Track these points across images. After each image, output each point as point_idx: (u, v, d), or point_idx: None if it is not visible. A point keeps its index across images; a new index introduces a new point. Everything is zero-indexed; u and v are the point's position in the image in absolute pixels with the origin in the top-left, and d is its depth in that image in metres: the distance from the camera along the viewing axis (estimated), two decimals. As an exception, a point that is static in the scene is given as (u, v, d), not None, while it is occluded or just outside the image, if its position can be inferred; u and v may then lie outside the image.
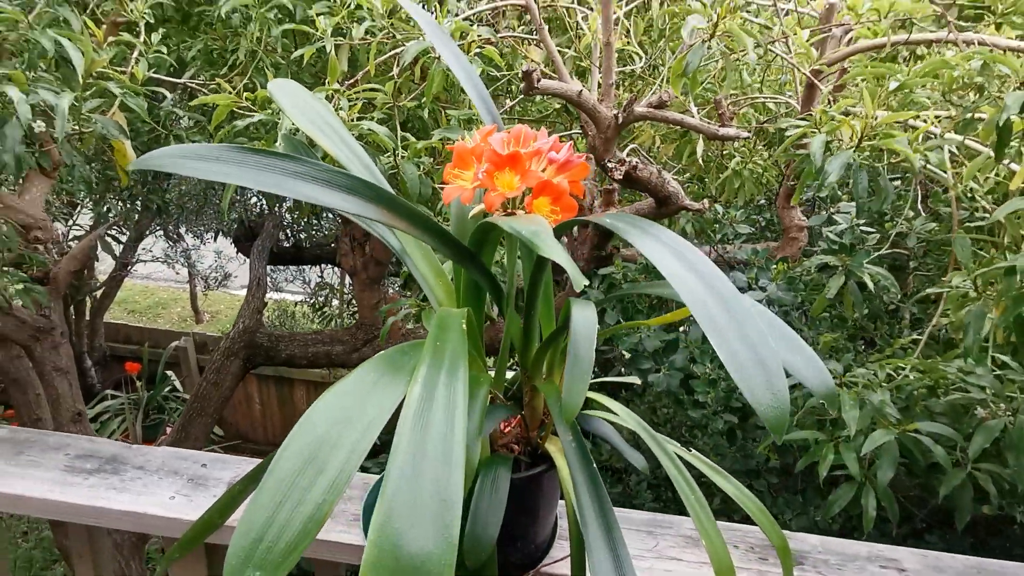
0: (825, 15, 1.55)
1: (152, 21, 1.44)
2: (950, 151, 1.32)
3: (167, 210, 2.76)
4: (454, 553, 0.45)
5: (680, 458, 0.89)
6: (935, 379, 1.38)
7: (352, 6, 1.54)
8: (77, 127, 1.21)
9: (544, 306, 0.95)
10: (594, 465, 0.77)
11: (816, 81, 1.41)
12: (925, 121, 1.08)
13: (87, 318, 4.92)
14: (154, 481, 1.17)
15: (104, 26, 1.30)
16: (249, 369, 2.78)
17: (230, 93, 1.21)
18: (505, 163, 0.75)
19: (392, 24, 1.44)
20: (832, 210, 1.57)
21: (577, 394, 0.68)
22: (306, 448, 0.54)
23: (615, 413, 0.93)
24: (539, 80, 1.31)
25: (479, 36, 1.35)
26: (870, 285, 1.32)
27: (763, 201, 2.12)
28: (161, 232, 4.20)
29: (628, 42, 1.63)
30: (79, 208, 3.27)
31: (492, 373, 0.92)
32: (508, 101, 1.91)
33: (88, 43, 1.15)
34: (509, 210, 0.77)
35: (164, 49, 1.37)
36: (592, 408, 0.96)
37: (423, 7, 1.62)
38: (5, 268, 1.86)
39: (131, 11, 1.35)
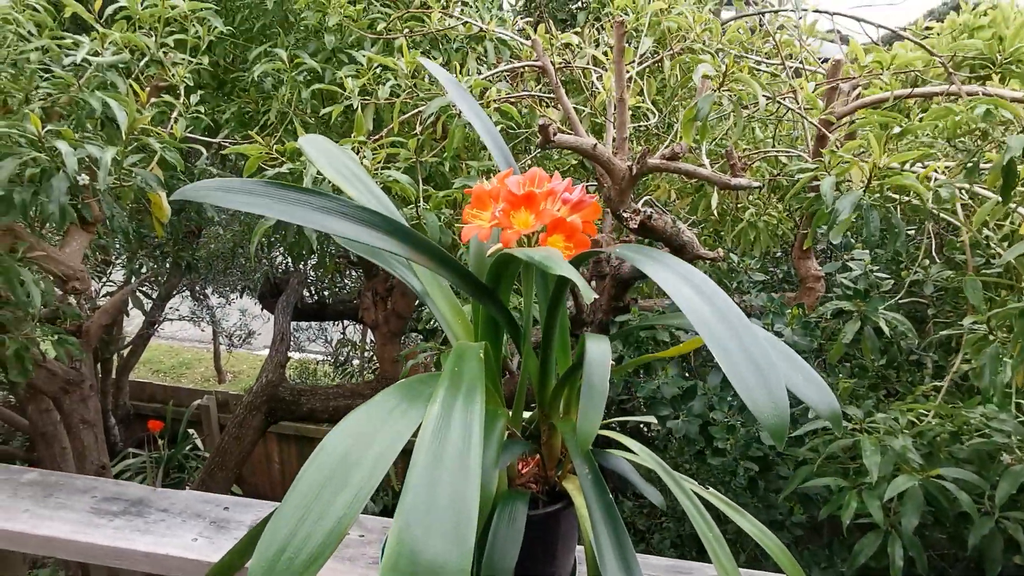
0: (831, 70, 1.60)
1: (191, 85, 1.53)
2: (961, 200, 1.35)
3: (196, 267, 2.85)
4: (469, 560, 0.47)
5: (698, 496, 0.89)
6: (958, 425, 1.37)
7: (378, 68, 1.63)
8: (118, 180, 1.28)
9: (561, 344, 0.98)
10: (610, 497, 0.78)
11: (826, 132, 1.45)
12: (931, 162, 1.11)
13: (113, 376, 5.00)
14: (177, 523, 1.19)
15: (147, 89, 1.39)
16: (271, 423, 2.80)
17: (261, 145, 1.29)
18: (520, 203, 0.79)
19: (415, 84, 1.52)
20: (846, 257, 1.59)
21: (591, 422, 0.70)
22: (327, 465, 0.56)
23: (633, 452, 0.94)
24: (555, 134, 1.37)
25: (498, 91, 1.42)
26: (886, 331, 1.32)
27: (780, 253, 2.14)
28: (187, 291, 4.30)
29: (642, 100, 1.69)
30: (111, 265, 3.39)
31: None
32: (526, 157, 1.98)
33: (132, 104, 1.23)
34: (524, 247, 0.80)
35: (201, 110, 1.45)
36: (611, 447, 0.97)
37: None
38: (40, 321, 1.93)
39: (172, 76, 1.45)
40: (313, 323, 5.32)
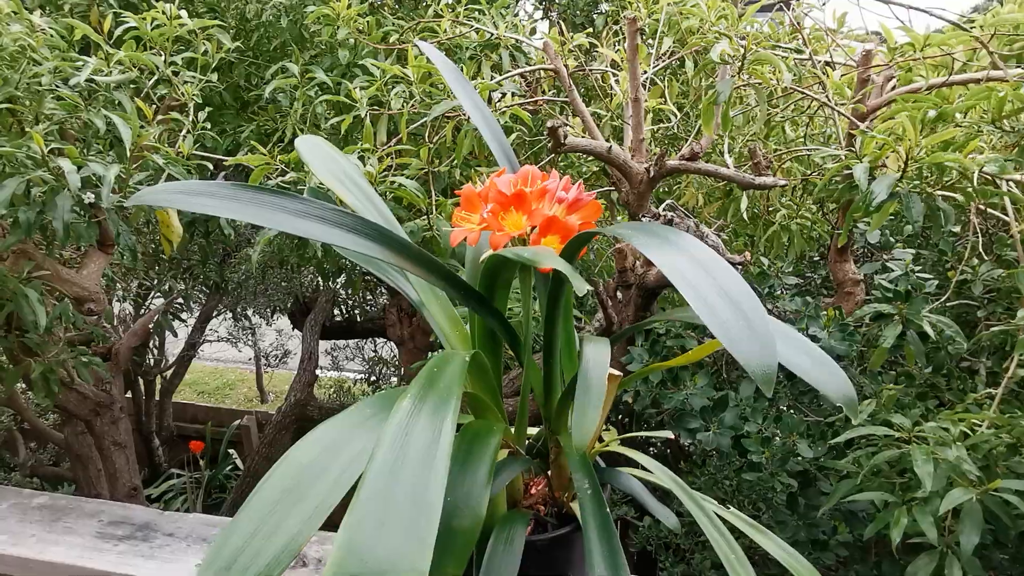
0: (863, 60, 1.51)
1: (201, 102, 1.52)
2: (1010, 191, 1.24)
3: (226, 288, 2.86)
4: (426, 561, 0.41)
5: (720, 517, 0.82)
6: (1016, 436, 1.25)
7: (387, 77, 1.60)
8: (124, 198, 1.27)
9: (567, 354, 0.92)
10: (608, 514, 0.71)
11: (859, 123, 1.36)
12: (975, 142, 1.01)
13: (157, 398, 5.09)
14: (182, 548, 1.15)
15: (155, 107, 1.39)
16: (301, 443, 2.78)
17: (264, 155, 1.26)
18: (510, 203, 0.73)
19: (425, 90, 1.48)
20: (886, 258, 1.49)
21: (586, 426, 0.63)
22: (288, 477, 0.51)
23: (647, 469, 0.87)
24: (565, 137, 1.31)
25: (512, 95, 1.37)
26: (932, 334, 1.22)
27: (816, 257, 2.03)
28: (229, 312, 4.35)
29: (663, 102, 1.63)
30: (152, 289, 3.44)
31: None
32: (545, 163, 1.93)
33: (136, 121, 1.22)
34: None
35: (208, 126, 1.44)
36: (622, 464, 0.90)
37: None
38: (71, 344, 1.95)
39: (182, 95, 1.44)
40: (350, 342, 5.33)
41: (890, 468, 1.31)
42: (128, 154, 1.21)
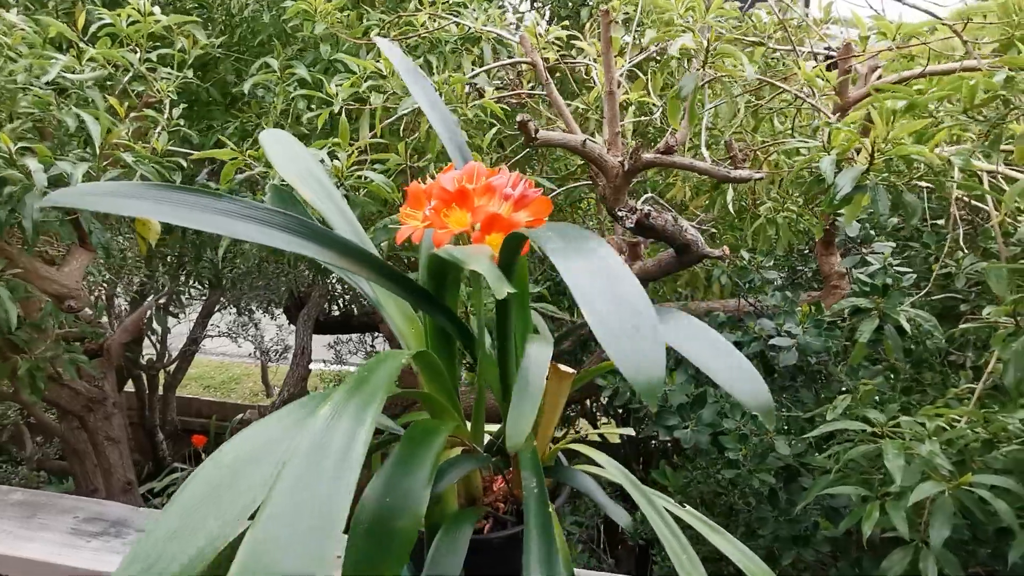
0: (843, 52, 1.49)
1: (185, 100, 1.52)
2: (991, 181, 1.23)
3: (220, 284, 2.87)
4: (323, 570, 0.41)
5: (672, 515, 0.81)
6: (994, 431, 1.24)
7: (367, 73, 1.59)
8: (98, 197, 1.27)
9: (523, 347, 0.91)
10: (549, 514, 0.71)
11: (832, 116, 1.34)
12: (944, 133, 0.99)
13: (160, 392, 5.13)
14: (154, 544, 1.16)
15: (128, 105, 1.39)
16: (295, 438, 2.78)
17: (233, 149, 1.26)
18: (452, 199, 0.73)
19: (401, 85, 1.47)
20: (865, 251, 1.48)
21: (520, 426, 0.63)
22: (213, 477, 0.51)
23: (600, 466, 0.86)
24: (537, 131, 1.30)
25: (491, 89, 1.36)
26: (907, 328, 1.21)
27: (807, 250, 2.02)
28: (233, 307, 4.36)
29: (645, 95, 1.61)
30: (150, 283, 3.46)
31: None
32: (527, 160, 1.92)
33: (105, 118, 1.22)
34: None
35: (184, 123, 1.44)
36: (578, 461, 0.90)
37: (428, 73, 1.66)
38: (67, 340, 1.96)
39: (157, 91, 1.44)
40: (353, 336, 5.35)
41: (867, 463, 1.30)
42: (98, 151, 1.22)
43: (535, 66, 1.53)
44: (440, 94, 1.40)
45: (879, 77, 1.55)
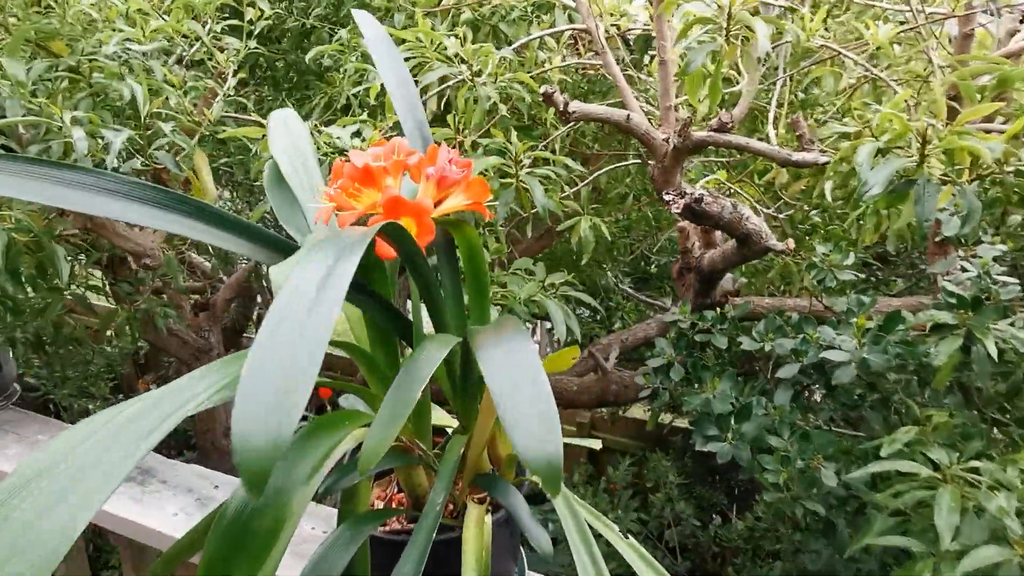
0: (964, 21, 1.24)
1: (237, 69, 1.56)
2: None
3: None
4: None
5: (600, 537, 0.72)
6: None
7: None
8: (150, 162, 1.34)
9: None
10: (431, 533, 0.64)
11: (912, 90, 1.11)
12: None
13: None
14: (168, 497, 1.22)
15: (188, 74, 1.45)
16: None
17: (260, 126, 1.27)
18: (357, 178, 0.66)
19: (437, 57, 1.41)
20: (966, 254, 1.23)
21: (380, 436, 0.56)
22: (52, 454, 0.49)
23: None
24: (567, 104, 1.20)
25: (504, 59, 1.27)
26: (992, 352, 0.99)
27: (906, 248, 1.74)
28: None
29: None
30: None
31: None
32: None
33: (145, 88, 1.28)
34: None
35: (247, 94, 1.48)
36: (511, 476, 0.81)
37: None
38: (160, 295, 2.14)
39: (220, 63, 1.49)
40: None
41: (930, 505, 1.09)
42: (143, 119, 1.28)
43: (590, 32, 1.41)
44: (470, 64, 1.32)
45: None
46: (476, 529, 0.78)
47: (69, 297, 1.69)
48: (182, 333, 2.47)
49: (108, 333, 2.33)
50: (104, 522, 1.20)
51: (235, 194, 2.59)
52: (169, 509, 1.19)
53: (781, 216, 1.59)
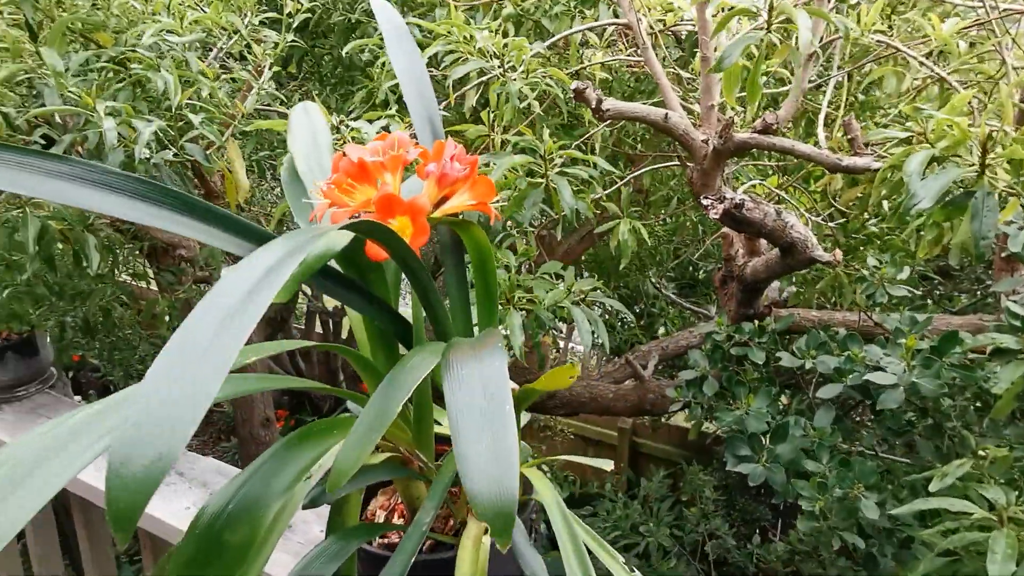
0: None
1: (306, 65, 1.55)
2: None
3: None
4: None
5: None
6: None
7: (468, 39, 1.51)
8: (181, 153, 1.34)
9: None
10: (410, 556, 0.60)
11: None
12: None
13: (343, 337, 5.61)
14: (184, 490, 1.22)
15: (219, 69, 1.44)
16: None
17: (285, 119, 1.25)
18: (352, 174, 0.63)
19: (468, 51, 1.37)
20: (1034, 272, 1.12)
21: (351, 457, 0.52)
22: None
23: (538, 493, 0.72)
24: (600, 101, 1.14)
25: (538, 53, 1.22)
26: (1059, 382, 0.89)
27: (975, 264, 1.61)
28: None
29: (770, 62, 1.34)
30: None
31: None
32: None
33: (203, 81, 1.28)
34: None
35: (273, 85, 1.47)
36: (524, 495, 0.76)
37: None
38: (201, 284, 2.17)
39: (258, 55, 1.49)
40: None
41: (984, 542, 1.00)
42: (173, 110, 1.28)
43: (631, 27, 1.35)
44: (502, 59, 1.28)
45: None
46: (472, 551, 0.73)
47: (115, 283, 1.73)
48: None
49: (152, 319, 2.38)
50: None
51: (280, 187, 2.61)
52: (182, 503, 1.18)
53: (832, 224, 1.49)
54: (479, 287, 0.78)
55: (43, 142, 1.33)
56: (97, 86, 1.36)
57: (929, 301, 1.91)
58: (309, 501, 0.67)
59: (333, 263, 0.70)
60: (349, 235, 0.56)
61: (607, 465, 0.83)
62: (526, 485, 0.77)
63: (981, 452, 1.04)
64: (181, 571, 0.55)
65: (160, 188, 0.60)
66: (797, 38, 0.88)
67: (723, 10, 0.92)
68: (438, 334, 0.72)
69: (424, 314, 0.72)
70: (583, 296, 1.28)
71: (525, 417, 0.87)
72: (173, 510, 1.16)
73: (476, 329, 0.80)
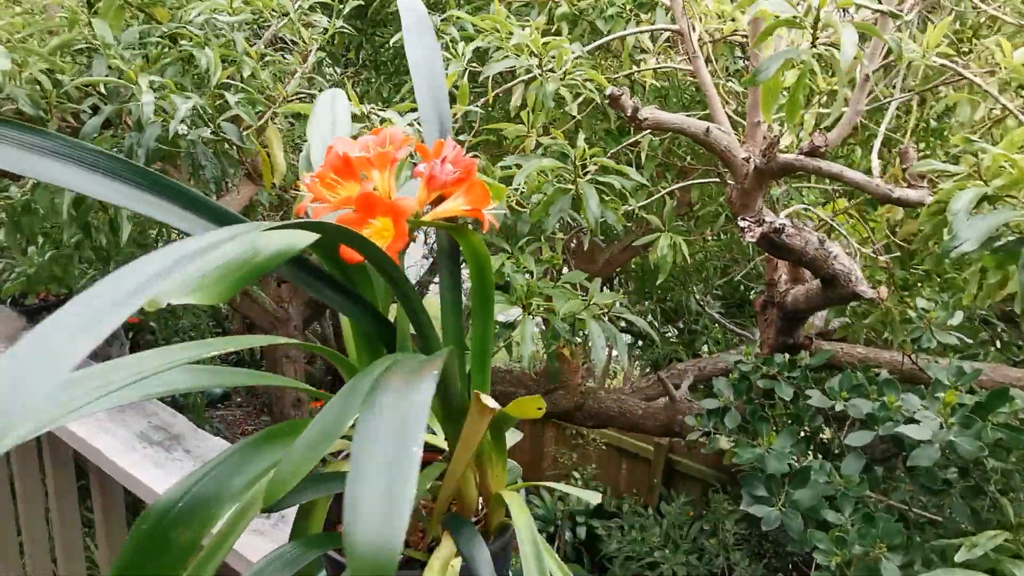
0: None
1: (320, 45, 1.55)
2: None
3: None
4: None
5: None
6: None
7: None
8: (217, 132, 1.35)
9: (479, 353, 0.75)
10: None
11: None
12: None
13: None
14: (188, 467, 1.22)
15: (270, 49, 1.45)
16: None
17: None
18: (337, 168, 0.60)
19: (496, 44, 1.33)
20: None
21: (290, 470, 0.49)
22: None
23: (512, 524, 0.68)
24: (637, 110, 1.09)
25: (583, 55, 1.17)
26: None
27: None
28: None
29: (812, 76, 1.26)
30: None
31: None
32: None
33: (216, 58, 1.28)
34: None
35: (336, 71, 1.46)
36: (500, 515, 0.72)
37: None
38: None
39: (302, 40, 1.48)
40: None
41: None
42: (211, 88, 1.28)
43: (682, 34, 1.29)
44: (540, 58, 1.23)
45: None
46: (439, 573, 0.70)
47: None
48: (263, 302, 2.54)
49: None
50: (126, 482, 1.22)
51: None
52: (185, 480, 1.19)
53: (884, 258, 1.39)
54: (475, 295, 0.74)
55: (89, 111, 1.36)
56: (149, 60, 1.38)
57: (991, 348, 1.77)
58: (270, 506, 0.64)
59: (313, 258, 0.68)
60: (312, 235, 0.53)
61: (595, 498, 0.78)
62: (505, 509, 0.73)
63: (1022, 522, 0.95)
64: (124, 565, 0.53)
65: (137, 168, 0.58)
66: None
67: (774, 18, 0.86)
68: (422, 343, 0.69)
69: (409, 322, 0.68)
70: (606, 310, 1.23)
71: (516, 436, 0.83)
72: (173, 486, 1.16)
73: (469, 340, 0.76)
